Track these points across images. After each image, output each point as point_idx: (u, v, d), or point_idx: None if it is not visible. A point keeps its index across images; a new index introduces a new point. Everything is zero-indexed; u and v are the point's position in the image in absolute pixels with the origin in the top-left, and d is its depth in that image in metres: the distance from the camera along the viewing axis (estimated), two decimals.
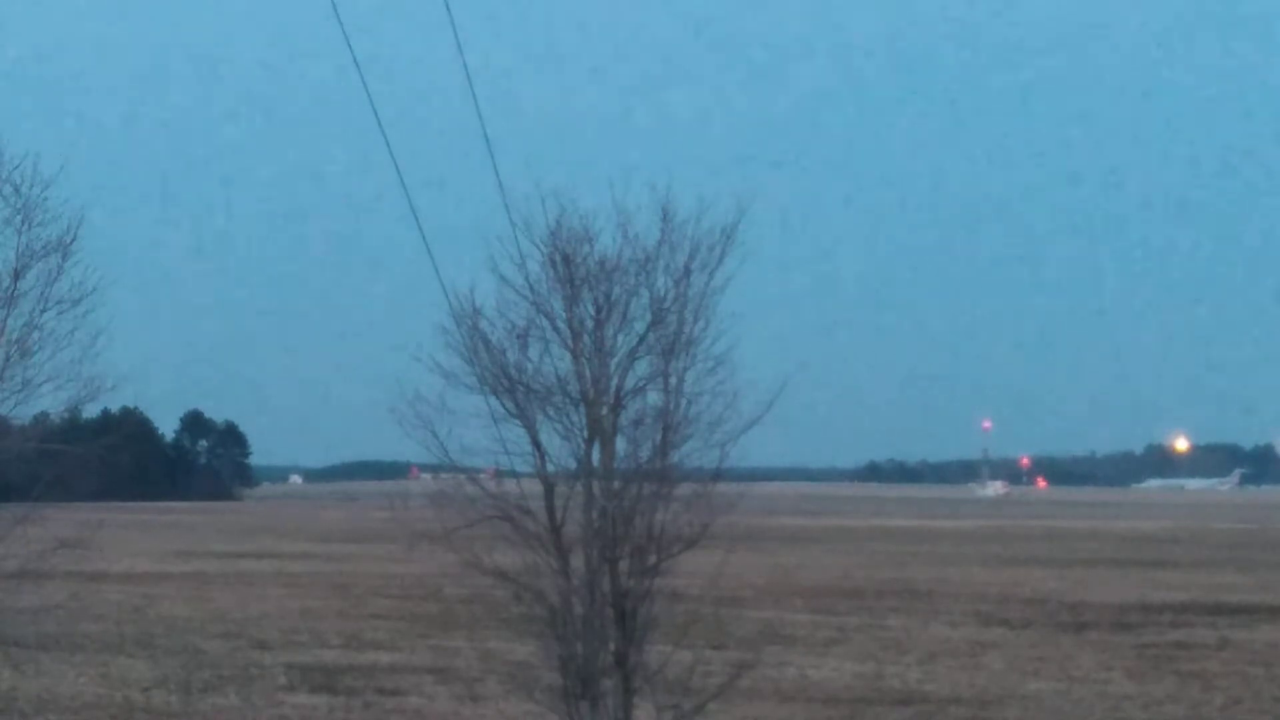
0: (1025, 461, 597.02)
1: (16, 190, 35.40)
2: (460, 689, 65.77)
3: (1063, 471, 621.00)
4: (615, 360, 34.97)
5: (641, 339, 34.95)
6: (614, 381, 34.95)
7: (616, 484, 34.91)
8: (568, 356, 34.91)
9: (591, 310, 34.79)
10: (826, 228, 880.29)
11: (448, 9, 32.15)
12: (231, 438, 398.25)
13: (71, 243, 35.56)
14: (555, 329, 34.90)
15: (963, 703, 65.28)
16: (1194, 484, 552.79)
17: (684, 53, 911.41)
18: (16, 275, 35.44)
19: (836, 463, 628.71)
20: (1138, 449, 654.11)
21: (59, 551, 38.61)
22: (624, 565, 34.80)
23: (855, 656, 78.54)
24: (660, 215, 34.63)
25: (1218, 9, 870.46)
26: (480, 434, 35.28)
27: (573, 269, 34.64)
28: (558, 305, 34.83)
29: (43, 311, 35.63)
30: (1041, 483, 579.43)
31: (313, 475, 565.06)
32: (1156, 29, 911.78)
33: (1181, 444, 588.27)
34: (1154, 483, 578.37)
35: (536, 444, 35.13)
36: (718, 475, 35.43)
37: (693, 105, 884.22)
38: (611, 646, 34.73)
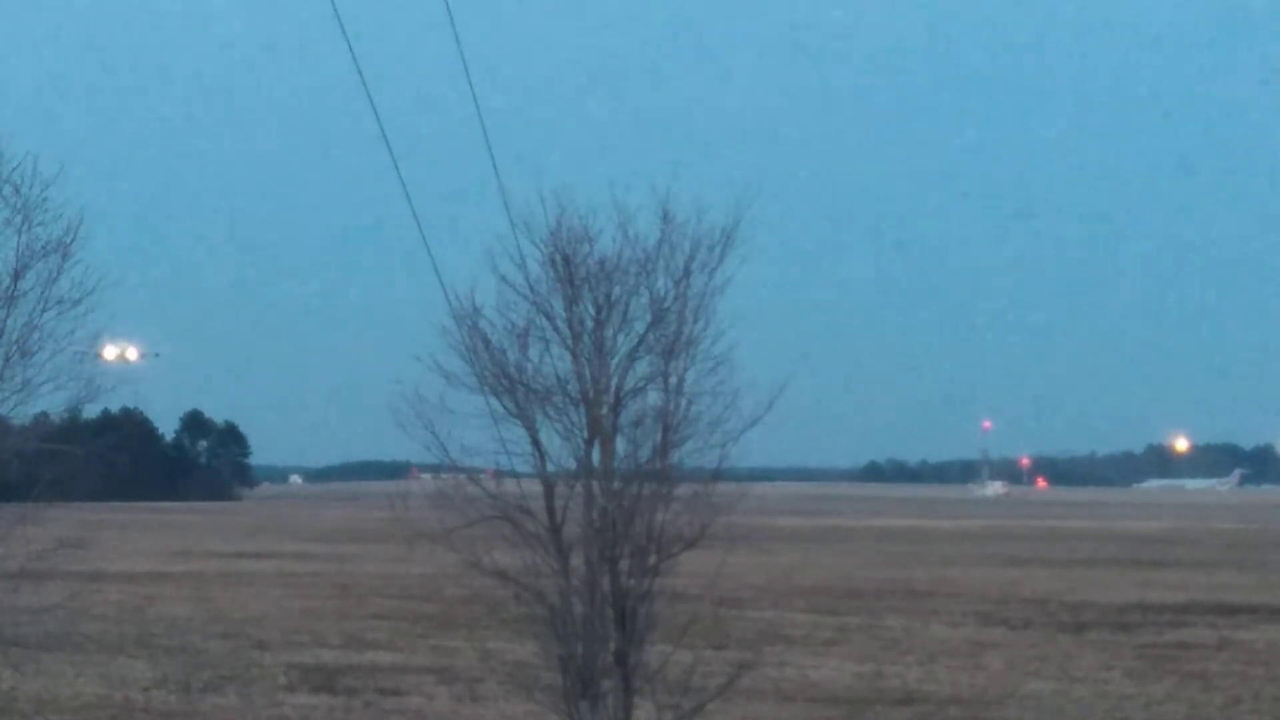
0: (1025, 461, 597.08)
1: (16, 190, 35.37)
2: (460, 689, 65.76)
3: (1063, 471, 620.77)
4: (615, 360, 34.98)
5: (641, 339, 34.95)
6: (614, 381, 34.95)
7: (616, 484, 34.90)
8: (568, 356, 34.91)
9: (591, 310, 34.79)
10: (827, 227, 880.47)
11: (448, 9, 32.16)
12: (231, 438, 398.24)
13: (71, 243, 35.53)
14: (555, 329, 34.91)
15: (963, 703, 65.28)
16: (1194, 484, 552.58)
17: (688, 52, 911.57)
18: (16, 275, 35.40)
19: (836, 463, 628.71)
20: (1138, 449, 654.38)
21: (59, 551, 38.59)
22: (624, 565, 34.79)
23: (855, 656, 78.53)
24: (660, 215, 34.65)
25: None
26: (480, 434, 35.31)
27: (573, 269, 34.63)
28: (558, 305, 34.83)
29: (43, 311, 35.59)
30: (1041, 483, 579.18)
31: (313, 475, 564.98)
32: (1153, 31, 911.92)
33: (1181, 444, 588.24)
34: (1154, 483, 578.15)
35: (536, 444, 35.13)
36: (718, 475, 35.43)
37: (695, 104, 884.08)
38: (611, 646, 34.72)
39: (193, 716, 60.12)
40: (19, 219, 35.43)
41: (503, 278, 34.92)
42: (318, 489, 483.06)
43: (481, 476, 36.09)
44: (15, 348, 35.45)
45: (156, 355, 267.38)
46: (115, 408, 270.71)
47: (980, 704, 64.99)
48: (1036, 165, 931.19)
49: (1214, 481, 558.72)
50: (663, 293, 34.84)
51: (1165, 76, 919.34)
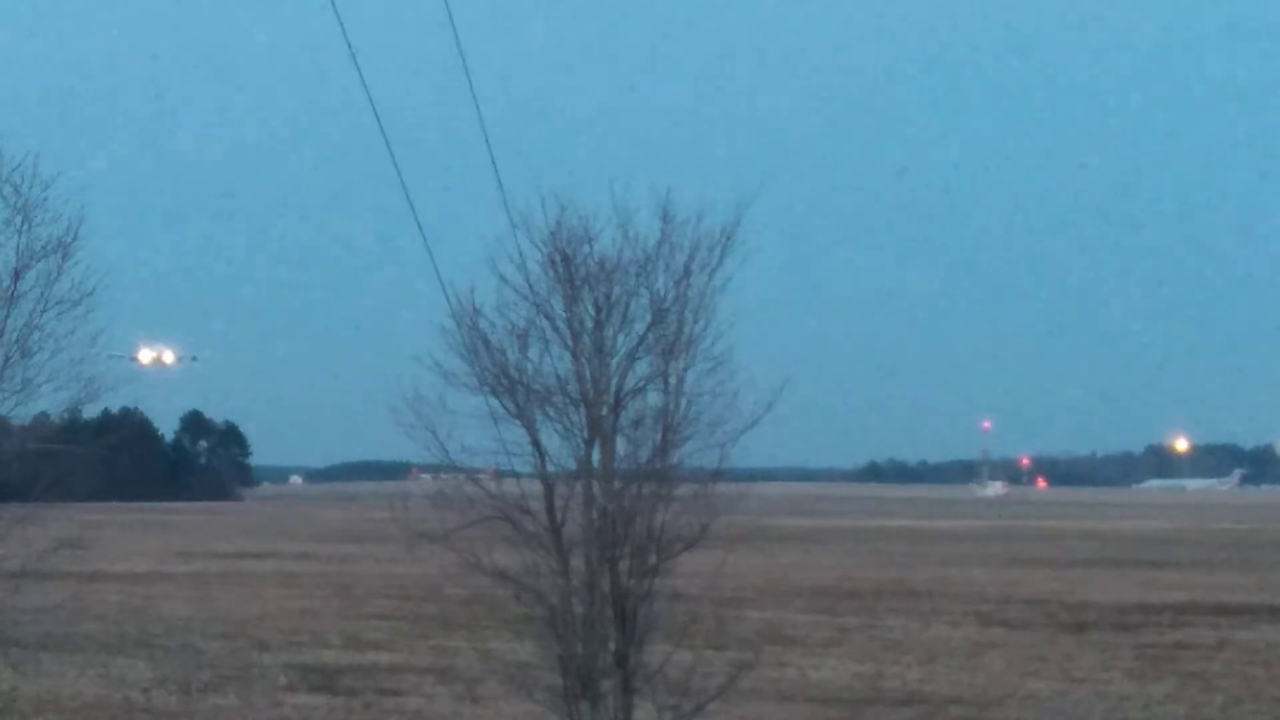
0: (1025, 461, 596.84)
1: (16, 190, 35.39)
2: (460, 689, 65.76)
3: (1063, 471, 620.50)
4: (615, 360, 34.98)
5: (641, 339, 34.95)
6: (614, 382, 34.95)
7: (616, 484, 34.90)
8: (568, 356, 34.91)
9: (591, 310, 34.79)
10: (826, 227, 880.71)
11: (448, 9, 32.15)
12: (231, 438, 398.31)
13: (71, 243, 35.55)
14: (555, 329, 34.91)
15: (963, 703, 65.29)
16: (1194, 484, 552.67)
17: (690, 52, 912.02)
18: (16, 275, 35.42)
19: (836, 463, 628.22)
20: (1138, 449, 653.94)
21: (59, 551, 38.63)
22: (624, 565, 34.79)
23: (855, 656, 78.55)
24: (660, 215, 34.65)
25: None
26: (480, 434, 35.31)
27: (573, 269, 34.63)
28: (558, 305, 34.83)
29: (43, 311, 35.61)
30: (1041, 483, 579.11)
31: (313, 475, 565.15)
32: (1155, 32, 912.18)
33: (1181, 444, 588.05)
34: (1154, 483, 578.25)
35: (536, 444, 35.12)
36: (718, 475, 35.41)
37: (696, 103, 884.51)
38: (611, 646, 34.72)
39: (193, 716, 60.13)
40: (19, 219, 35.47)
41: (503, 278, 34.95)
42: (318, 489, 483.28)
43: (481, 476, 36.09)
44: (15, 348, 35.47)
45: (194, 359, 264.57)
46: (115, 408, 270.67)
47: (980, 704, 65.00)
48: (1036, 166, 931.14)
49: (1214, 481, 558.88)
50: (663, 293, 34.85)
51: (1171, 75, 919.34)
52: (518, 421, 35.06)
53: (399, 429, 35.39)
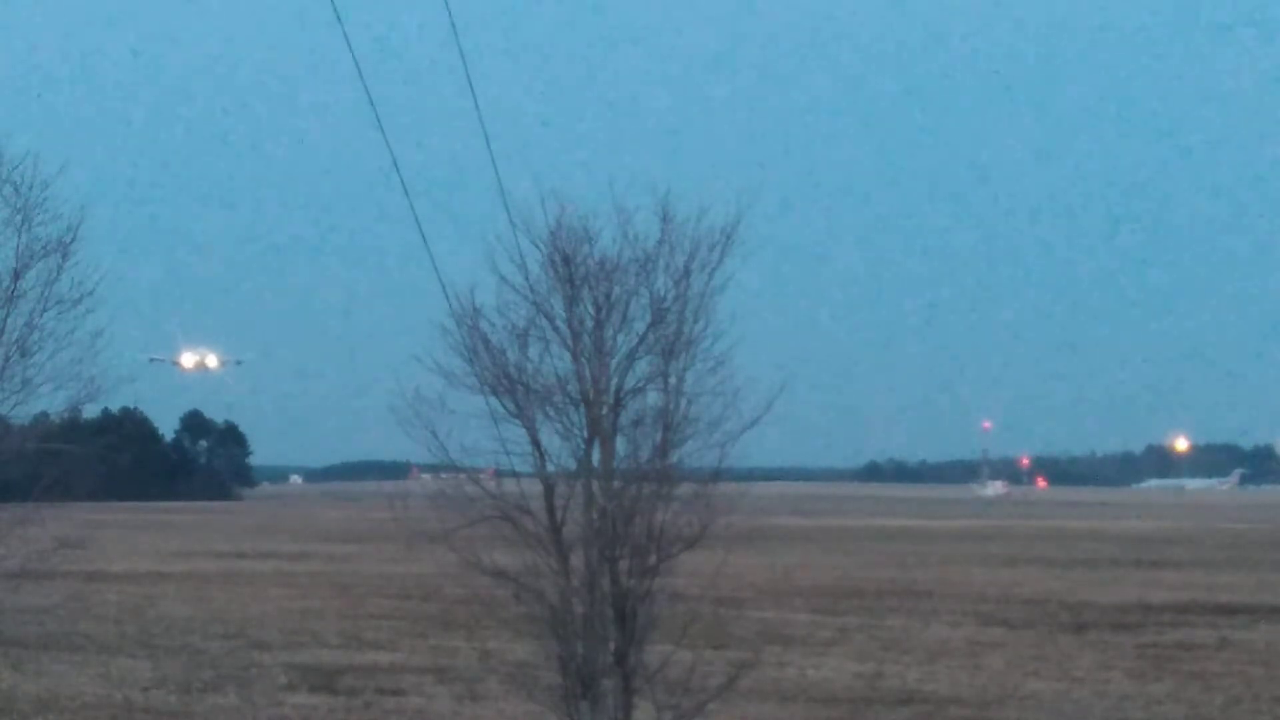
0: (1025, 461, 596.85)
1: (16, 190, 35.40)
2: (460, 689, 65.75)
3: (1063, 471, 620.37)
4: (615, 360, 34.99)
5: (641, 339, 34.96)
6: (614, 381, 34.96)
7: (616, 484, 34.91)
8: (568, 356, 34.92)
9: (591, 310, 34.80)
10: (826, 226, 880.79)
11: (448, 9, 32.16)
12: (231, 438, 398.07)
13: (71, 243, 35.56)
14: (555, 329, 34.92)
15: (963, 703, 65.28)
16: (1194, 484, 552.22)
17: (685, 51, 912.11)
18: (16, 275, 35.43)
19: (836, 463, 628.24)
20: (1138, 449, 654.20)
21: (59, 551, 38.61)
22: (624, 565, 34.79)
23: (855, 656, 78.54)
24: (660, 215, 34.65)
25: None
26: (480, 434, 35.32)
27: (573, 269, 34.65)
28: (558, 305, 34.84)
29: (43, 311, 35.62)
30: (1041, 483, 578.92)
31: (313, 475, 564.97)
32: (1148, 29, 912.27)
33: (1181, 444, 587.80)
34: (1154, 483, 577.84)
35: (536, 444, 35.13)
36: (718, 475, 35.42)
37: (694, 103, 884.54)
38: (611, 646, 34.72)
39: (193, 716, 60.11)
40: (19, 219, 35.47)
41: (503, 278, 34.97)
42: (318, 489, 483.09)
43: (481, 476, 36.09)
44: (15, 348, 35.47)
45: (239, 362, 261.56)
46: (115, 408, 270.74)
47: (980, 704, 64.99)
48: (1034, 165, 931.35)
49: (1214, 481, 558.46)
50: (663, 293, 34.87)
51: (1154, 78, 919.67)
52: (518, 421, 35.09)
53: (399, 429, 35.44)
